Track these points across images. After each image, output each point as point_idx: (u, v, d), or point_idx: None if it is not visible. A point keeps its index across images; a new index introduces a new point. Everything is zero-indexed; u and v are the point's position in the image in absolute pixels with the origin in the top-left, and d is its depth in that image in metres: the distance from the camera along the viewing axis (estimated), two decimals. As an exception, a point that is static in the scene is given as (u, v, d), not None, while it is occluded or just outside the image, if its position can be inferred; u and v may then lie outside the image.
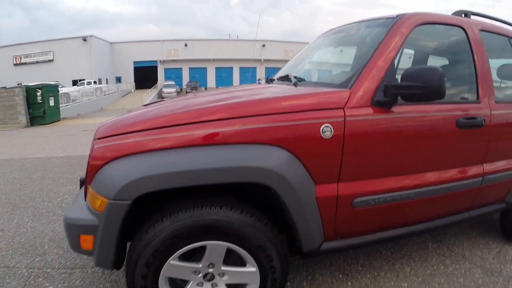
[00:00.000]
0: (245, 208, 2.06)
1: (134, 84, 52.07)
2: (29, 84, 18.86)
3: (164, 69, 55.25)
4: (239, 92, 2.74)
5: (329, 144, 2.13)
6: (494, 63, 3.45)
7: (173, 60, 55.04)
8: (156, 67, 55.16)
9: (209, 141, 2.00)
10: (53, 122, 18.32)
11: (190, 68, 55.63)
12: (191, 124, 2.02)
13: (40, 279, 2.94)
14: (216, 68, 55.30)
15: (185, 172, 1.92)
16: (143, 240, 1.95)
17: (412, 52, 3.24)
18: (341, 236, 2.39)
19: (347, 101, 2.21)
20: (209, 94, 2.78)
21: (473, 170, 2.86)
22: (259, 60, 53.66)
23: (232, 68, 55.51)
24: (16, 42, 50.39)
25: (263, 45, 54.76)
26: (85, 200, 2.24)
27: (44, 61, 48.16)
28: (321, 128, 2.09)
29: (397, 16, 2.65)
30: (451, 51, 3.20)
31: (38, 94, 17.65)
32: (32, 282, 2.90)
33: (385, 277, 2.95)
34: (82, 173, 4.62)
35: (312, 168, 2.12)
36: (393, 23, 2.57)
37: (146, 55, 54.39)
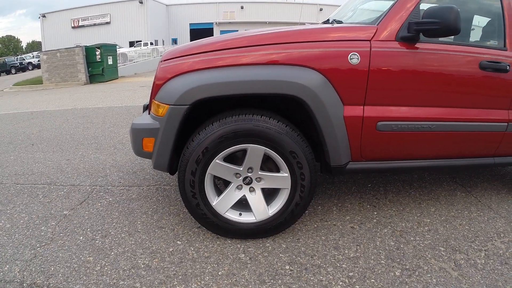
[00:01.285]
0: (281, 119, 2.43)
1: (190, 45, 52.30)
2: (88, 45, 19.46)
3: (220, 31, 55.06)
4: (286, 28, 3.05)
5: (356, 70, 2.46)
6: None
7: (229, 23, 54.85)
8: (212, 29, 55.12)
9: (254, 62, 2.40)
10: (111, 80, 19.04)
11: (246, 30, 55.24)
12: (240, 48, 2.44)
13: (102, 193, 3.45)
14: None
15: (232, 82, 2.33)
16: (195, 140, 2.38)
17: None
18: (366, 158, 2.72)
19: (374, 35, 2.53)
20: (262, 30, 3.09)
21: (498, 114, 3.04)
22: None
23: None
24: (74, 6, 51.53)
25: (321, 9, 53.48)
26: (149, 114, 2.70)
27: (102, 24, 49.18)
28: (349, 56, 2.43)
29: None
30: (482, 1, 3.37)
31: (97, 53, 18.32)
32: (94, 195, 3.41)
33: (410, 212, 3.20)
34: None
35: (340, 89, 2.46)
36: None
37: (202, 17, 54.35)
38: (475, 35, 3.46)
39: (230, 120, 2.33)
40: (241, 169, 2.47)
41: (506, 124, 3.05)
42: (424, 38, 2.60)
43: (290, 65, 2.39)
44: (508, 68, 2.91)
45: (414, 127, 2.68)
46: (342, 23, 3.19)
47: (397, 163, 2.82)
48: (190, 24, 55.53)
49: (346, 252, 2.56)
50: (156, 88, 2.54)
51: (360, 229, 2.84)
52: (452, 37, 3.06)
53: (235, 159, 2.49)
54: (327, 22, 3.44)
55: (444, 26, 2.39)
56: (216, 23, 55.48)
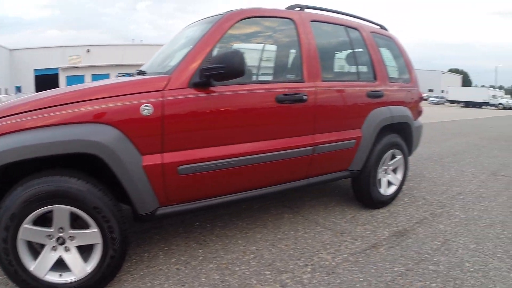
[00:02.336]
0: (82, 177, 2.53)
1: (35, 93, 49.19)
2: None
3: (66, 76, 52.79)
4: (83, 85, 3.15)
5: (149, 120, 2.64)
6: (342, 50, 4.31)
7: (75, 67, 52.82)
8: (57, 75, 52.61)
9: (52, 123, 2.46)
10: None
11: (93, 74, 53.58)
12: (39, 109, 2.47)
13: None
14: (119, 73, 53.60)
15: (30, 146, 2.36)
16: (3, 207, 2.38)
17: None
18: (175, 202, 2.92)
19: (167, 85, 2.74)
20: (60, 90, 3.10)
21: (303, 140, 3.42)
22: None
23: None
24: None
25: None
26: None
27: None
28: (141, 108, 2.61)
29: (226, 12, 3.22)
30: (280, 39, 3.83)
31: None
32: None
33: (236, 243, 3.42)
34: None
35: (137, 141, 2.63)
36: (218, 19, 3.14)
37: (47, 62, 51.68)
38: (276, 72, 3.88)
39: (32, 184, 2.38)
40: (52, 230, 2.51)
41: (312, 147, 3.42)
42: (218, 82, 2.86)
43: (85, 122, 2.49)
44: (305, 97, 3.30)
45: (216, 166, 2.92)
46: (146, 73, 3.37)
47: (208, 201, 3.04)
48: (35, 70, 52.43)
49: (171, 295, 2.69)
50: None
51: (185, 269, 2.99)
52: (253, 76, 3.40)
53: (48, 220, 2.51)
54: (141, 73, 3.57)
55: (229, 70, 2.68)
56: (61, 68, 52.96)
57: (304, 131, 3.43)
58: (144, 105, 2.61)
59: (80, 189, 2.44)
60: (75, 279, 2.56)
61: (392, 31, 4.91)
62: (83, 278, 2.57)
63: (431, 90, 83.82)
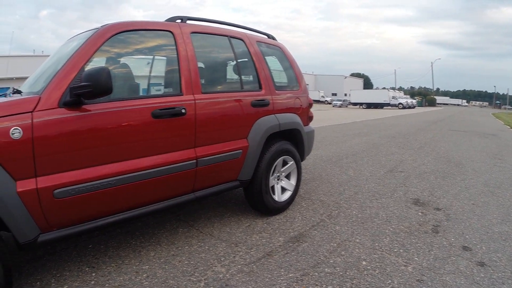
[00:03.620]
0: None
1: None
2: None
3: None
4: None
5: (19, 143, 2.51)
6: (225, 61, 4.33)
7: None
8: None
9: None
10: None
11: (-25, 87, 50.30)
12: None
13: None
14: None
15: None
16: None
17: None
18: (57, 227, 2.79)
19: (36, 105, 2.63)
20: None
21: (185, 154, 3.41)
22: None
23: (9, 87, 51.29)
24: None
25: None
26: None
27: None
28: (11, 131, 2.48)
29: (102, 26, 3.17)
30: (158, 53, 3.84)
31: None
32: None
33: (129, 263, 3.33)
34: None
35: (8, 166, 2.49)
36: (92, 34, 3.07)
37: None
38: (152, 87, 3.88)
39: None
40: None
41: (195, 161, 3.42)
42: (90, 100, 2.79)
43: None
44: (184, 111, 3.30)
45: (93, 187, 2.83)
46: (21, 93, 3.22)
47: (93, 223, 2.94)
48: None
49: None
50: None
51: (76, 296, 2.87)
52: (128, 92, 3.31)
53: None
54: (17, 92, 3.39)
55: (96, 88, 2.62)
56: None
57: (184, 145, 3.41)
58: (14, 128, 2.48)
59: None
60: None
61: (285, 40, 5.01)
62: None
63: (334, 94, 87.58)
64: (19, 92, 3.27)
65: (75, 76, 2.79)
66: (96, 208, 2.94)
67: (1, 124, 2.46)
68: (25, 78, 3.80)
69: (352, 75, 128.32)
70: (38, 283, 3.05)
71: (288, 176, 4.73)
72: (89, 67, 2.91)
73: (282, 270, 3.15)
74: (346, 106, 62.50)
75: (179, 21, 3.72)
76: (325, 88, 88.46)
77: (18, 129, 2.49)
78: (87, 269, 3.25)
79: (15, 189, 2.50)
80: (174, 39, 3.49)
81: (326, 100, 77.17)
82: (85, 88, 2.62)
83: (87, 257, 3.48)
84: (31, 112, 2.58)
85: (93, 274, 3.16)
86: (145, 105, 3.14)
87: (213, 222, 4.24)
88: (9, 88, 3.50)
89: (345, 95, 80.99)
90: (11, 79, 48.13)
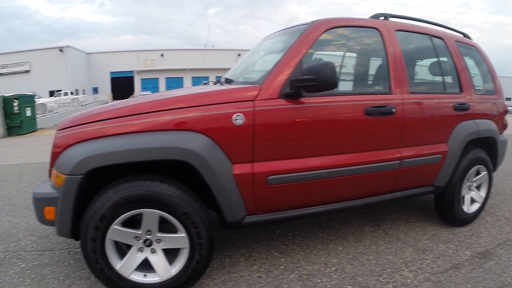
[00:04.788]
0: (173, 183, 2.57)
1: (111, 94, 52.00)
2: (6, 95, 18.49)
3: (141, 79, 55.13)
4: (173, 92, 3.24)
5: (241, 130, 2.65)
6: (427, 61, 4.09)
7: (150, 70, 54.89)
8: (132, 77, 54.95)
9: (143, 129, 2.54)
10: (30, 132, 18.20)
11: (166, 77, 55.76)
12: (131, 115, 2.57)
13: (14, 260, 3.40)
14: (192, 77, 55.16)
15: (122, 151, 2.45)
16: (93, 208, 2.47)
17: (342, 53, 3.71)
18: (262, 211, 2.90)
19: (258, 94, 2.74)
20: (151, 96, 3.17)
21: (390, 153, 3.31)
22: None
23: (208, 77, 55.58)
24: (-9, 53, 50.06)
25: (239, 54, 54.66)
26: (49, 180, 2.80)
27: (21, 72, 48.01)
28: (233, 117, 2.63)
29: (312, 22, 3.15)
30: (366, 49, 3.73)
31: (15, 104, 17.50)
32: (7, 262, 3.36)
33: (317, 254, 3.36)
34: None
35: (228, 149, 2.65)
36: (304, 29, 3.09)
37: (122, 66, 54.48)
38: (363, 83, 3.78)
39: (123, 187, 2.45)
40: (140, 232, 2.58)
41: (398, 161, 3.31)
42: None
43: (178, 130, 2.55)
44: (393, 110, 3.20)
45: (305, 177, 2.88)
46: (233, 81, 3.37)
47: (294, 212, 3.00)
48: (111, 73, 55.17)
49: (252, 303, 2.69)
50: (54, 156, 2.63)
51: (267, 277, 2.97)
52: (340, 87, 3.33)
53: (136, 221, 2.59)
54: (219, 81, 3.64)
55: (321, 82, 2.62)
56: (136, 71, 55.16)
57: (391, 144, 3.32)
58: (236, 114, 2.63)
59: (171, 194, 2.48)
60: (160, 280, 2.62)
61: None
62: (168, 279, 2.62)
63: (508, 98, 79.66)
64: (229, 81, 3.43)
65: (294, 69, 2.84)
66: (301, 198, 2.99)
67: (224, 110, 2.61)
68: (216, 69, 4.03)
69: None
70: (227, 259, 3.21)
71: (478, 187, 4.38)
72: (304, 61, 2.94)
73: (469, 285, 2.92)
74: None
75: (382, 18, 3.62)
76: (497, 91, 79.41)
77: (240, 115, 2.62)
78: (276, 253, 3.34)
79: (231, 171, 2.64)
80: (381, 36, 3.38)
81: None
82: (309, 81, 2.65)
83: (275, 242, 3.57)
84: (253, 100, 2.70)
85: (282, 260, 3.23)
86: (358, 101, 3.11)
87: (398, 225, 4.10)
88: (207, 77, 3.73)
89: (520, 99, 73.39)
90: (183, 70, 52.40)
